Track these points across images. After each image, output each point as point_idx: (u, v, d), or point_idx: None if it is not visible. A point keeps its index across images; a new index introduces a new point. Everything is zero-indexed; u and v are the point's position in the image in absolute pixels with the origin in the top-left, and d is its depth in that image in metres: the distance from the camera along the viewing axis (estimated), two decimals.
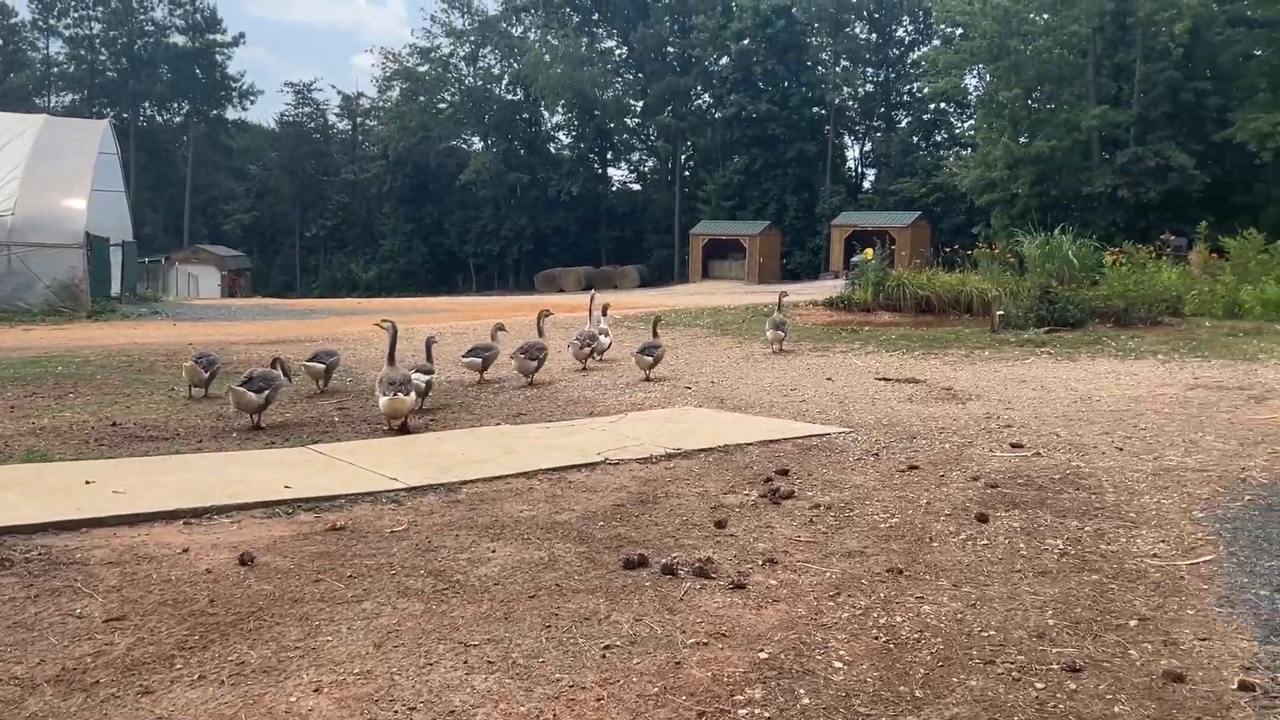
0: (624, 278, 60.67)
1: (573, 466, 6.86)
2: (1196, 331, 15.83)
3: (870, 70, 68.72)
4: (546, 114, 72.94)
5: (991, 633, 4.09)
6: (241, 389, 8.59)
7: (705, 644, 3.98)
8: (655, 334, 12.78)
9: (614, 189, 75.93)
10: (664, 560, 4.92)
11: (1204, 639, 3.97)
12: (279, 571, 4.82)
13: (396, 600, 4.46)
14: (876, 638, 4.05)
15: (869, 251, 24.37)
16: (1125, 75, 45.49)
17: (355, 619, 4.23)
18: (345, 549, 5.18)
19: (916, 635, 4.07)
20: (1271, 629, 4.03)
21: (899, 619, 4.24)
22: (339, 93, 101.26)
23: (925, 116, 66.05)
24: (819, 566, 4.93)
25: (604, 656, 3.86)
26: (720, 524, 5.60)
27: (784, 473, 6.80)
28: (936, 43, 59.41)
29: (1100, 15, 43.11)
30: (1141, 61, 43.36)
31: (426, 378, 9.77)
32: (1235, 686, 3.51)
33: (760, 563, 4.96)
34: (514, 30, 74.24)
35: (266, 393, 8.76)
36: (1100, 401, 9.68)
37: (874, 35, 68.03)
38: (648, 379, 11.62)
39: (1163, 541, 5.27)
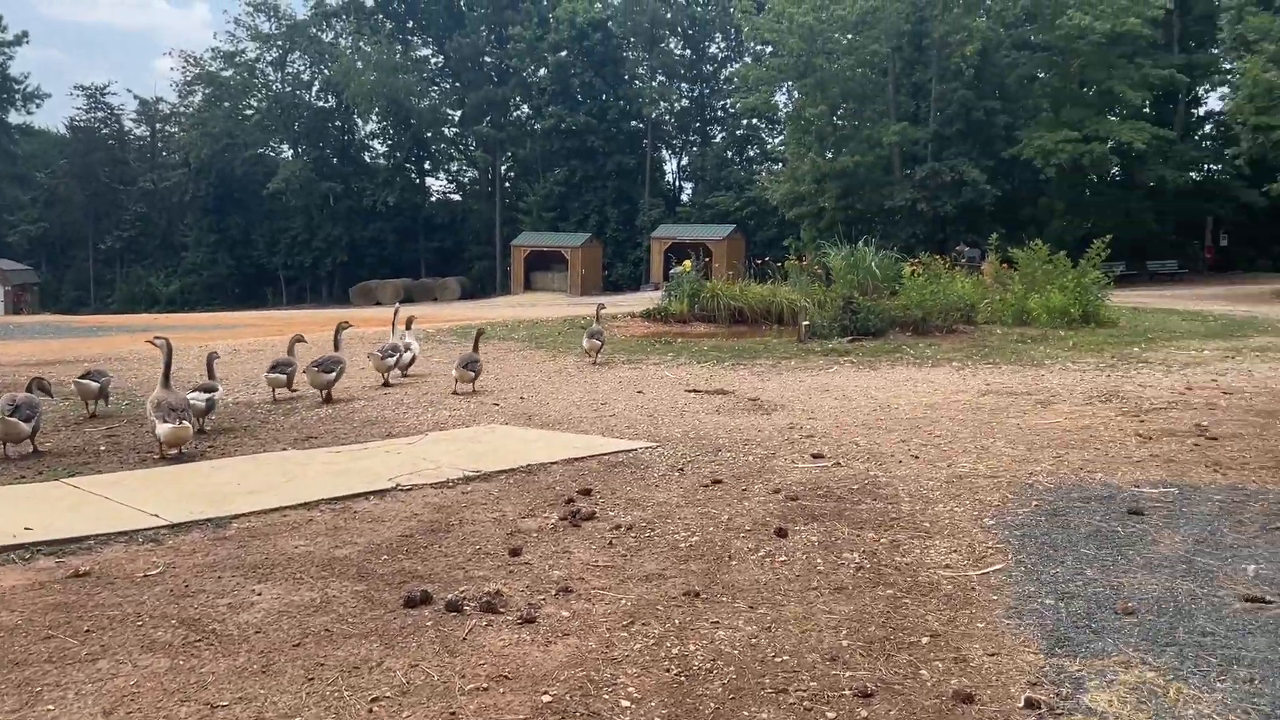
0: (444, 290, 59.59)
1: (360, 494, 6.41)
2: (988, 339, 16.56)
3: (685, 85, 69.98)
4: (360, 122, 71.02)
5: (785, 658, 3.94)
6: (14, 420, 7.75)
7: (485, 689, 3.68)
8: (476, 347, 12.42)
9: (433, 199, 74.61)
10: (450, 596, 4.59)
11: (993, 654, 3.93)
12: (2, 629, 4.23)
13: (139, 656, 3.96)
14: (668, 670, 3.84)
15: (687, 263, 24.58)
16: (923, 94, 47.83)
17: (86, 682, 3.72)
18: (87, 599, 4.61)
19: (709, 665, 3.88)
20: (1056, 640, 4.04)
21: (693, 647, 4.05)
22: (136, 97, 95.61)
23: (739, 132, 67.79)
24: (615, 593, 4.70)
25: (370, 711, 3.50)
26: (515, 552, 5.30)
27: (587, 492, 6.56)
28: (748, 60, 61.01)
29: (899, 36, 45.23)
30: (937, 81, 45.68)
31: (208, 396, 9.08)
32: (1022, 705, 3.46)
33: (554, 593, 4.69)
34: (324, 36, 71.95)
35: (34, 420, 7.97)
36: (898, 409, 9.89)
37: (688, 51, 69.34)
38: (465, 392, 11.27)
39: (955, 551, 5.29)
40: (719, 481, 6.87)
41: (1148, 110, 48.97)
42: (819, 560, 5.17)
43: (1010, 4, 44.74)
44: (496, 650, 4.03)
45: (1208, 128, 53.67)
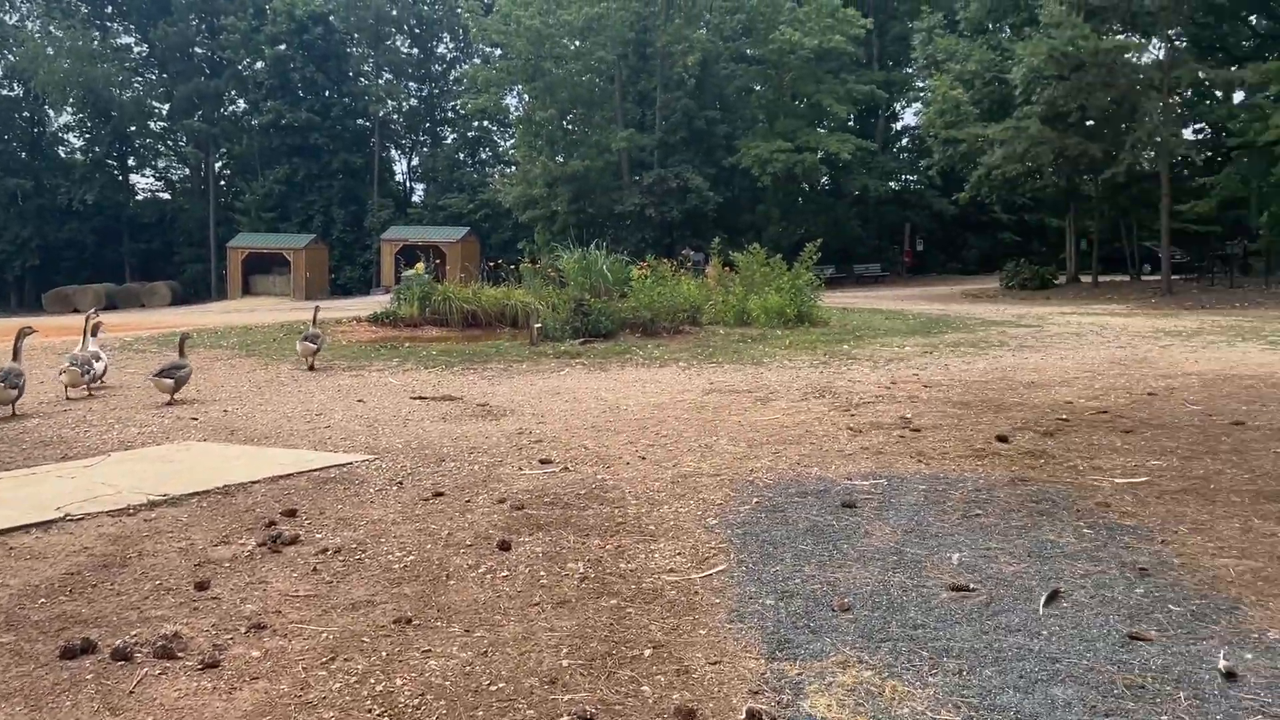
0: (153, 295, 55.18)
1: (19, 528, 5.57)
2: (712, 339, 17.01)
3: (414, 85, 68.57)
4: (52, 113, 64.68)
5: (502, 685, 3.66)
6: None
7: None
8: (182, 353, 11.45)
9: (139, 198, 69.06)
10: (118, 642, 3.98)
11: (715, 663, 3.81)
12: None
13: None
14: (370, 711, 3.46)
15: (419, 266, 23.94)
16: (648, 102, 49.08)
17: None
18: None
19: (417, 701, 3.53)
20: (777, 643, 3.97)
21: (400, 682, 3.68)
22: None
23: (470, 133, 67.15)
24: (316, 626, 4.25)
25: None
26: (202, 585, 4.72)
27: (291, 514, 6.01)
28: (477, 61, 60.48)
29: (624, 44, 46.15)
30: (661, 90, 46.97)
31: None
32: (743, 717, 3.34)
33: (244, 630, 4.18)
34: (7, 18, 65.00)
35: None
36: (627, 410, 9.85)
37: (416, 50, 67.96)
38: (163, 403, 10.29)
39: (679, 554, 5.19)
40: (441, 494, 6.50)
41: (852, 123, 52.59)
42: (543, 573, 4.93)
43: (728, 18, 46.70)
44: (170, 703, 3.51)
45: (905, 141, 58.36)
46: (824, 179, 51.55)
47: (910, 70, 49.91)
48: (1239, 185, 41.93)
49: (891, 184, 53.49)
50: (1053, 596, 4.37)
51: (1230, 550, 5.04)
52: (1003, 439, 7.99)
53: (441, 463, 7.47)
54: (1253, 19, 38.28)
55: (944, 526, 5.57)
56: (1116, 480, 6.57)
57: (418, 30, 66.78)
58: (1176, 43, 32.79)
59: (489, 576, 4.89)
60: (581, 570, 4.95)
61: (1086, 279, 38.76)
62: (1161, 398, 10.13)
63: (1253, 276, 34.95)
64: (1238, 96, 39.29)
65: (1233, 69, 33.41)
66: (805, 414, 9.49)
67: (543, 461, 7.43)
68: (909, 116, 57.40)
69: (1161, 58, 32.38)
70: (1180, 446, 7.61)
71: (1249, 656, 3.73)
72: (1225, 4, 33.37)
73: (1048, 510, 5.86)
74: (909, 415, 9.23)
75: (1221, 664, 3.61)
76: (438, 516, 5.98)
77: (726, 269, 23.37)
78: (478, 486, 6.72)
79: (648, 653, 3.93)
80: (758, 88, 50.79)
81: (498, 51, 52.95)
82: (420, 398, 10.96)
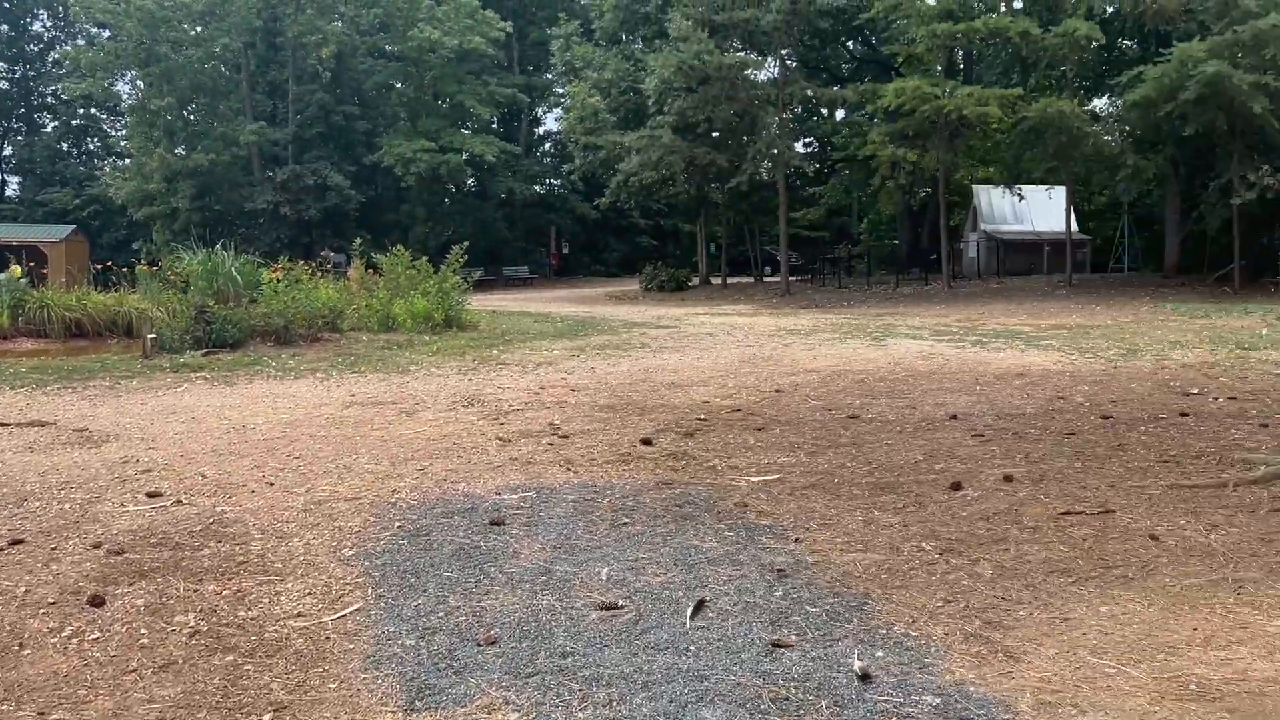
0: None
1: None
2: (355, 346, 16.21)
3: (4, 65, 60.70)
4: None
5: None
6: None
7: None
8: None
9: None
10: None
11: None
12: None
13: None
14: None
15: (14, 269, 21.10)
16: (280, 94, 46.57)
17: None
18: None
19: None
20: (417, 690, 3.61)
21: None
22: None
23: (75, 121, 60.53)
24: None
25: None
26: None
27: None
28: (80, 42, 54.52)
29: (251, 32, 43.46)
30: (294, 82, 44.69)
31: None
32: None
33: None
34: None
35: None
36: (255, 430, 9.02)
37: (5, 26, 60.18)
38: None
39: (309, 594, 4.67)
40: (20, 541, 5.52)
41: (496, 126, 52.81)
42: (143, 630, 4.25)
43: (364, 11, 45.21)
44: None
45: (548, 145, 59.46)
46: (470, 180, 51.28)
47: (550, 76, 50.85)
48: (843, 195, 46.52)
49: (536, 187, 54.31)
50: (699, 607, 4.33)
51: (856, 545, 5.29)
52: (647, 442, 8.08)
53: (23, 503, 6.40)
54: (850, 44, 42.57)
55: (593, 539, 5.44)
56: (752, 479, 6.79)
57: (7, 4, 59.15)
58: (789, 62, 35.67)
59: (75, 641, 4.15)
60: (192, 623, 4.33)
61: (716, 281, 41.31)
62: (787, 394, 10.75)
63: (856, 277, 38.78)
64: (840, 114, 43.60)
65: (835, 88, 36.95)
66: (453, 425, 9.14)
67: (151, 495, 6.56)
68: (551, 121, 58.56)
69: (776, 75, 35.07)
70: (806, 442, 8.04)
71: (880, 654, 3.85)
72: (828, 29, 36.76)
73: (691, 514, 5.90)
74: (558, 421, 9.14)
75: (856, 665, 3.69)
76: (15, 570, 5.06)
77: (370, 271, 22.46)
78: (68, 529, 5.79)
79: (267, 718, 3.44)
80: (398, 85, 49.64)
81: (105, 32, 47.99)
82: (1, 424, 9.47)
